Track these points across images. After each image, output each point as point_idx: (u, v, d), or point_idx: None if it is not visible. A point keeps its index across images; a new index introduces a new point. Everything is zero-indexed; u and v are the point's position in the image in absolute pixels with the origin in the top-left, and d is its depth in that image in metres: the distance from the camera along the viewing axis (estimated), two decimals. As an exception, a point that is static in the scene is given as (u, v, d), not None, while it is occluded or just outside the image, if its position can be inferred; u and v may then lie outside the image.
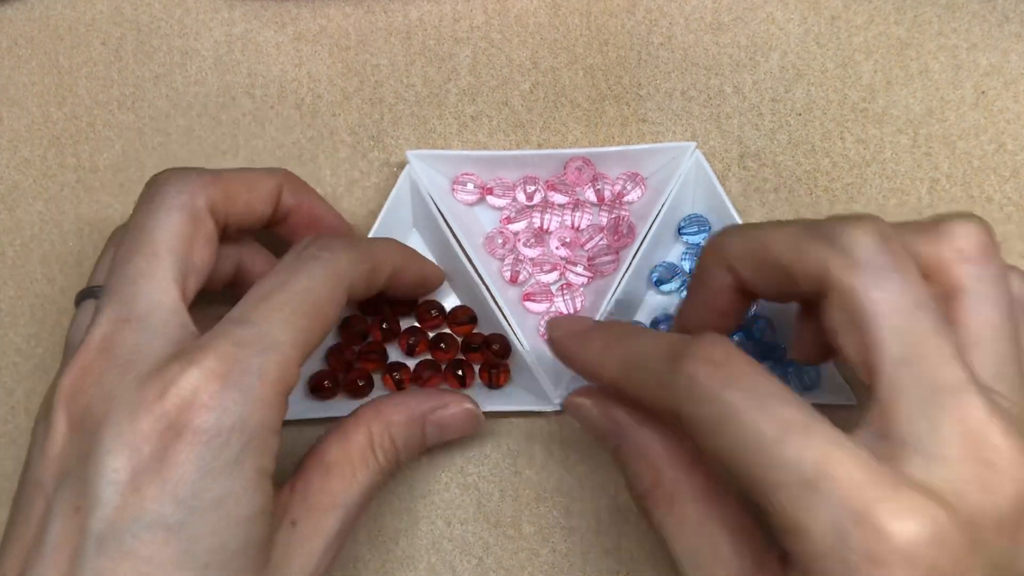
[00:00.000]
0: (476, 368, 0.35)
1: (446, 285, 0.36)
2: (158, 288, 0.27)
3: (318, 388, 0.34)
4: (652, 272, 0.36)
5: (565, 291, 0.35)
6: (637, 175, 0.36)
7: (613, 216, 0.36)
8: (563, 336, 0.29)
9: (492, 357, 0.35)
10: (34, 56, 0.39)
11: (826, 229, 0.25)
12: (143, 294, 0.27)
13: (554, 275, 0.36)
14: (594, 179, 0.36)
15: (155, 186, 0.29)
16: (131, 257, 0.28)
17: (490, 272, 0.35)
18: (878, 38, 0.38)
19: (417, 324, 0.35)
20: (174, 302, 0.27)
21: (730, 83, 0.37)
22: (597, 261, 0.35)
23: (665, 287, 0.35)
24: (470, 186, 0.36)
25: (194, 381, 0.25)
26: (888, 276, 0.24)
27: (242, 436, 0.25)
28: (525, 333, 0.34)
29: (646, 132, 0.37)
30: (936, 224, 0.26)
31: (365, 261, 0.30)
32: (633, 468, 0.28)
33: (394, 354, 0.35)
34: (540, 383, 0.34)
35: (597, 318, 0.34)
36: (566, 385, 0.33)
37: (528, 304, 0.35)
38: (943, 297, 0.25)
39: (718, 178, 0.35)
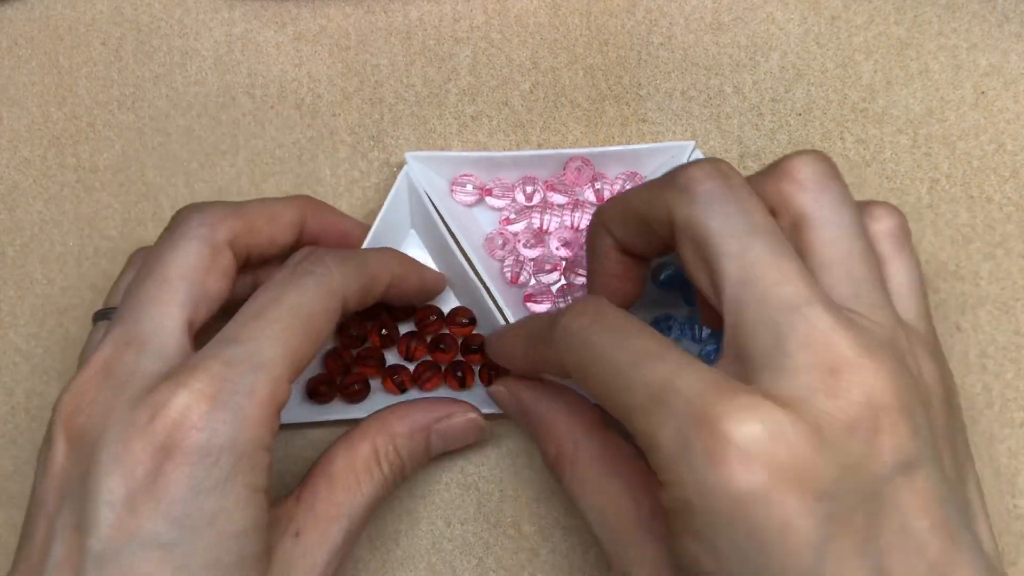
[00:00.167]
0: (476, 369, 0.35)
1: (447, 288, 0.36)
2: (163, 312, 0.28)
3: (315, 393, 0.34)
4: (652, 271, 0.36)
5: (566, 291, 0.35)
6: (636, 175, 0.36)
7: (613, 216, 0.36)
8: (488, 336, 0.33)
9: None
10: (34, 56, 0.39)
11: (672, 175, 0.27)
12: (147, 318, 0.28)
13: (555, 275, 0.36)
14: (593, 179, 0.36)
15: (179, 218, 0.30)
16: (143, 283, 0.28)
17: (490, 273, 0.35)
18: (878, 38, 0.38)
19: (416, 329, 0.35)
20: (177, 326, 0.28)
21: (730, 83, 0.37)
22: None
23: (665, 284, 0.35)
24: (469, 187, 0.36)
25: (183, 403, 0.25)
26: (724, 205, 0.25)
27: (232, 455, 0.25)
28: (525, 333, 0.34)
29: (646, 132, 0.37)
30: (777, 163, 0.27)
31: (360, 275, 0.30)
32: (541, 441, 0.31)
33: (392, 357, 0.35)
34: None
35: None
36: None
37: (529, 305, 0.35)
38: (792, 228, 0.26)
39: (718, 178, 0.35)
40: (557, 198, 0.36)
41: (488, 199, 0.36)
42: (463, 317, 0.35)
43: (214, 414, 0.25)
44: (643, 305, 0.36)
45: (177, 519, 0.25)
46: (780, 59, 0.38)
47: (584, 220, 0.36)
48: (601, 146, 0.37)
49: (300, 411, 0.34)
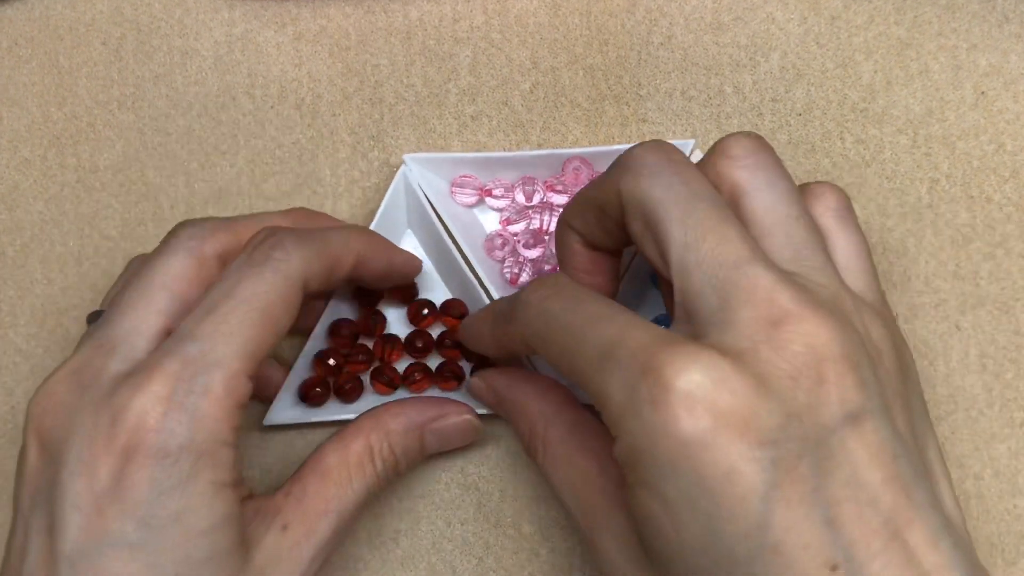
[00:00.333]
0: (468, 368, 0.35)
1: (443, 287, 0.36)
2: (139, 318, 0.28)
3: (308, 396, 0.34)
4: (651, 275, 0.36)
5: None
6: (637, 175, 0.36)
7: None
8: (460, 325, 0.33)
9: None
10: (34, 56, 0.39)
11: (618, 158, 0.28)
12: (123, 322, 0.28)
13: (554, 275, 0.36)
14: (592, 179, 0.36)
15: (173, 231, 0.30)
16: (126, 289, 0.29)
17: (490, 274, 0.35)
18: (878, 38, 0.38)
19: (413, 325, 0.35)
20: (151, 331, 0.28)
21: (730, 83, 0.37)
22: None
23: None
24: (469, 188, 0.36)
25: (141, 405, 0.26)
26: (667, 177, 0.26)
27: (191, 454, 0.26)
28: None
29: (646, 132, 0.37)
30: (714, 145, 0.28)
31: (322, 255, 0.30)
32: (516, 424, 0.31)
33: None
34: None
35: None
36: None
37: (528, 304, 0.35)
38: (731, 200, 0.27)
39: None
40: (557, 198, 0.36)
41: (488, 200, 0.36)
42: (456, 310, 0.35)
43: (171, 415, 0.26)
44: (643, 305, 0.36)
45: (143, 519, 0.26)
46: (780, 59, 0.38)
47: (584, 220, 0.36)
48: (601, 146, 0.37)
49: (296, 412, 0.34)
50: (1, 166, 0.38)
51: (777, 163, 0.27)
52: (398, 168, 0.36)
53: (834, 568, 0.22)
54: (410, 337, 0.35)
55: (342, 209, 0.37)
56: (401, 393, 0.35)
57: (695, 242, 0.25)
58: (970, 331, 0.35)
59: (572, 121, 0.38)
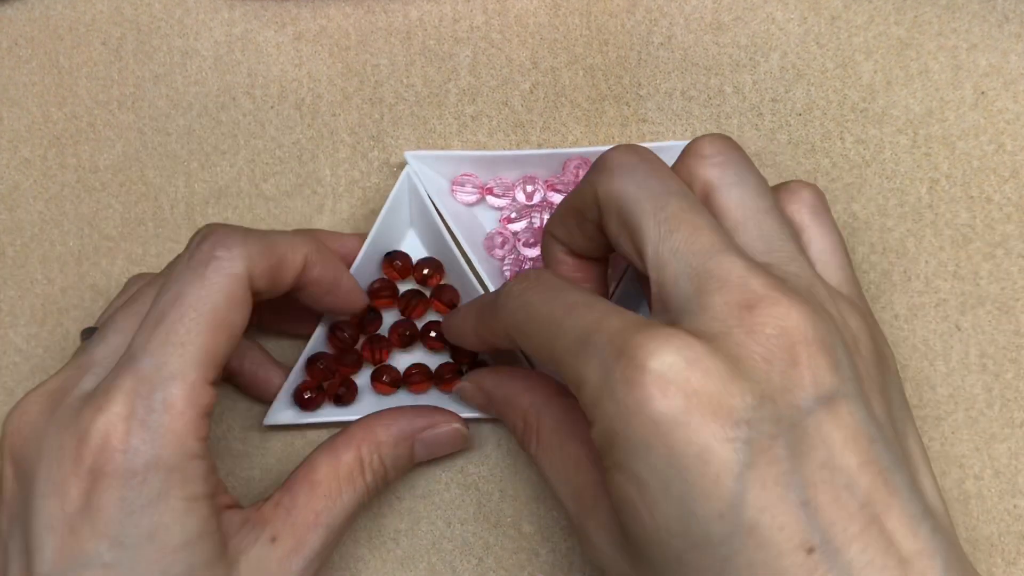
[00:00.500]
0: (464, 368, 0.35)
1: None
2: (122, 341, 0.28)
3: (301, 400, 0.34)
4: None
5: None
6: (637, 175, 0.36)
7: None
8: (444, 321, 0.33)
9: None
10: (34, 56, 0.39)
11: (594, 163, 0.28)
12: (104, 344, 0.28)
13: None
14: (594, 179, 0.36)
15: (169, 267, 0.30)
16: (118, 312, 0.29)
17: (490, 272, 0.35)
18: (878, 38, 0.38)
19: (404, 317, 0.35)
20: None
21: (730, 83, 0.37)
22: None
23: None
24: (469, 186, 0.36)
25: (103, 427, 0.26)
26: (640, 175, 0.27)
27: (159, 471, 0.26)
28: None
29: (646, 132, 0.37)
30: (686, 147, 0.28)
31: (267, 254, 0.29)
32: (508, 419, 0.32)
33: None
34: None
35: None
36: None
37: (528, 304, 0.35)
38: (703, 197, 0.27)
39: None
40: (557, 197, 0.36)
41: (489, 198, 0.36)
42: (448, 299, 0.35)
43: (134, 434, 0.26)
44: (642, 306, 0.36)
45: (116, 539, 0.25)
46: (780, 59, 0.38)
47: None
48: (601, 146, 0.37)
49: (296, 412, 0.34)
50: (1, 166, 0.38)
51: (747, 160, 0.28)
52: (398, 168, 0.36)
53: (810, 551, 0.22)
54: (396, 326, 0.35)
55: (342, 209, 0.37)
56: (402, 393, 0.35)
57: (668, 234, 0.25)
58: (970, 331, 0.35)
59: (572, 121, 0.38)
